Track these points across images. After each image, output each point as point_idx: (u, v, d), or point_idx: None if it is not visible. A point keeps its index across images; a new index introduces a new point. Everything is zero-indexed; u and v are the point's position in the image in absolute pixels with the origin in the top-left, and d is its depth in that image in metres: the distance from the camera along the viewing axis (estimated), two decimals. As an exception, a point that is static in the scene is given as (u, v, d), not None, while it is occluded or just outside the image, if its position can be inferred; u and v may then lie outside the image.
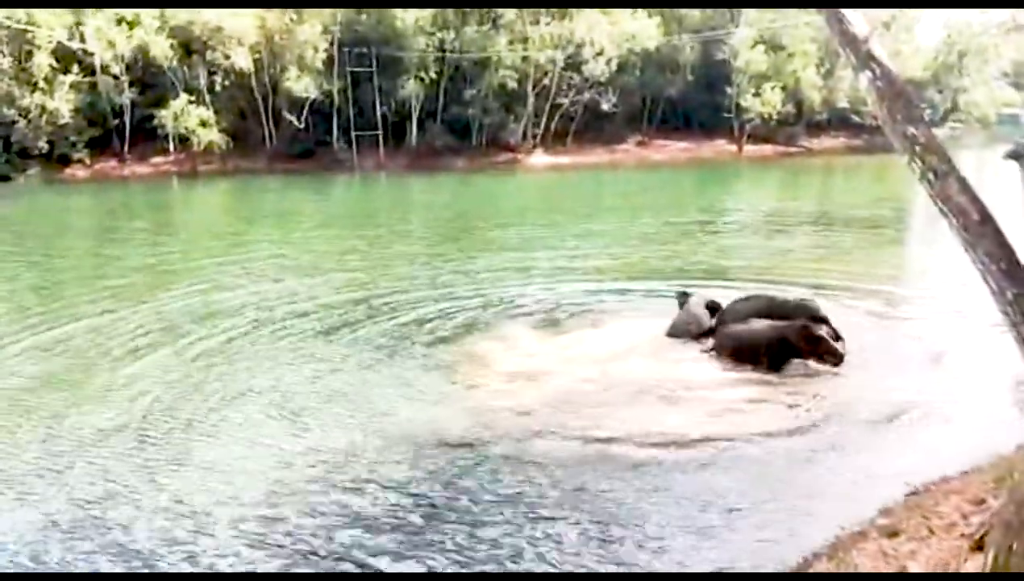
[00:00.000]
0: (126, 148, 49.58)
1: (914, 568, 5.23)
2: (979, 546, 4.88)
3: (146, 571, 5.36)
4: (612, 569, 5.94)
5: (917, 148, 4.32)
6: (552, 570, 5.93)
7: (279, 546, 6.18)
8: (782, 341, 10.08)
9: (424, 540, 6.25)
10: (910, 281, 16.39)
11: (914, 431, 8.23)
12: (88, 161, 48.38)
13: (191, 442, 8.35)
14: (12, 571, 5.27)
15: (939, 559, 5.23)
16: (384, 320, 13.16)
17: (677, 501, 6.93)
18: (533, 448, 7.96)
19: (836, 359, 9.97)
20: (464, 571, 5.57)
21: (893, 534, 5.81)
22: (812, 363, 9.99)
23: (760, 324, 10.53)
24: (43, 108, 45.84)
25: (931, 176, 4.28)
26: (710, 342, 10.94)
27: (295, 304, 14.48)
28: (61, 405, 9.48)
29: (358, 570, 5.88)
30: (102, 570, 5.91)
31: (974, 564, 4.86)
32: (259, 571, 5.56)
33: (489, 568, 5.92)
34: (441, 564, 5.95)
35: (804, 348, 10.00)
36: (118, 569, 5.90)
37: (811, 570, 5.71)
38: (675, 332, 11.45)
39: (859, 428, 8.32)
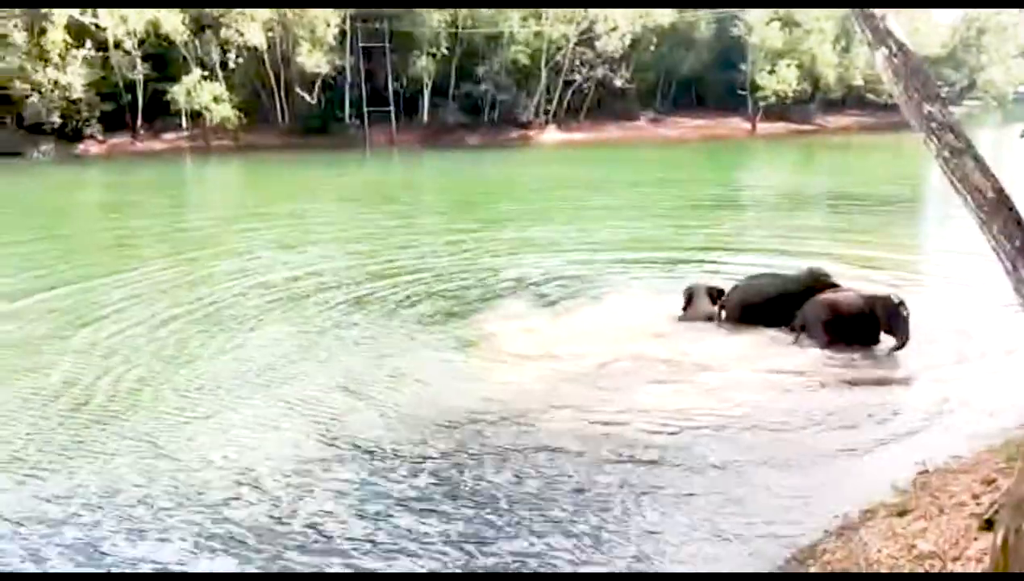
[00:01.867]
0: (139, 123, 49.68)
1: (923, 546, 5.24)
2: (988, 525, 4.89)
3: (146, 571, 5.35)
4: (636, 537, 5.99)
5: (933, 126, 4.28)
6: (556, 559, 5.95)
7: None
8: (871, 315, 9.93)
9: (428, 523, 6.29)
10: (924, 259, 16.31)
11: (927, 410, 8.22)
12: (101, 136, 48.52)
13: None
14: (12, 571, 5.27)
15: (948, 537, 5.24)
16: (395, 294, 13.17)
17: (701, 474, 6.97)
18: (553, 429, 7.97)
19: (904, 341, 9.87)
20: (465, 571, 5.56)
21: (903, 512, 5.82)
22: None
23: (847, 297, 10.36)
24: (56, 83, 45.90)
25: (947, 154, 4.25)
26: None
27: (297, 281, 14.55)
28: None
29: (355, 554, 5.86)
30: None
31: (983, 543, 4.88)
32: (258, 571, 5.51)
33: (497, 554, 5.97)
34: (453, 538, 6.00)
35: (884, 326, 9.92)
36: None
37: (820, 548, 5.74)
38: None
39: (871, 407, 8.31)
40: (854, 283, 11.35)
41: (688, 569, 5.69)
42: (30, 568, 5.68)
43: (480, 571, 5.55)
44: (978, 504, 5.55)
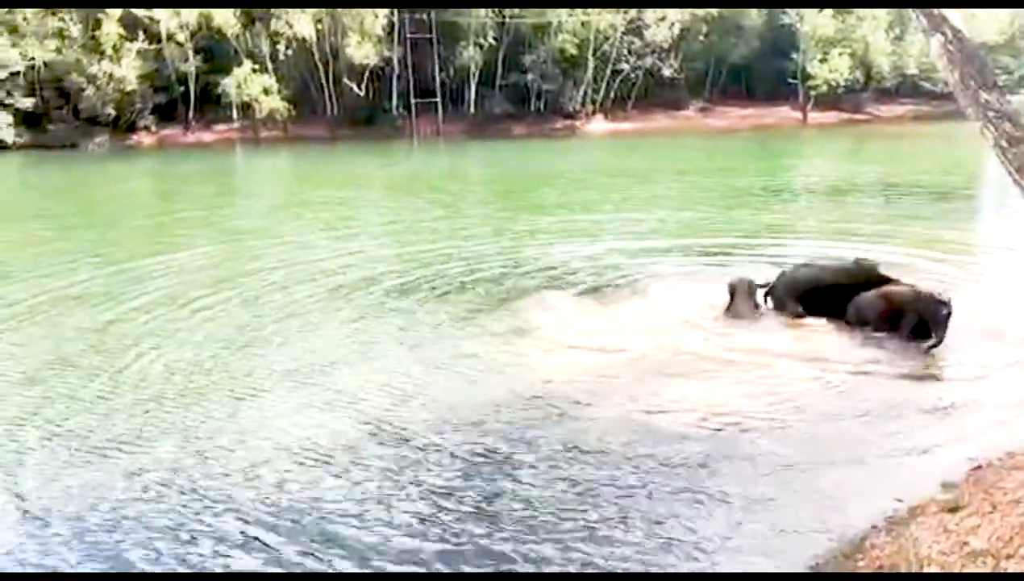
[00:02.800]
0: (191, 115, 50.53)
1: (975, 543, 5.15)
2: (1044, 523, 4.80)
3: (147, 571, 5.41)
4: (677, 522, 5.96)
5: (990, 114, 4.19)
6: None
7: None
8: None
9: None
10: (977, 251, 15.91)
11: (979, 406, 8.04)
12: (154, 128, 49.50)
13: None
14: (11, 571, 5.36)
15: (1001, 535, 5.14)
16: (438, 283, 13.23)
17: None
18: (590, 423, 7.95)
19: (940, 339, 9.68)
20: (463, 571, 5.54)
21: (954, 509, 5.71)
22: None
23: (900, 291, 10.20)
24: (110, 76, 46.88)
25: (1004, 143, 4.16)
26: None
27: (346, 268, 14.70)
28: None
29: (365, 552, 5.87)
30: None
31: (1038, 541, 4.78)
32: (258, 571, 5.53)
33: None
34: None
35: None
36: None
37: (868, 543, 5.66)
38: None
39: (923, 402, 8.16)
40: (904, 276, 11.14)
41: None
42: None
43: (481, 571, 5.52)
44: (1033, 502, 5.44)
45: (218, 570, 5.53)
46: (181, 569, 5.50)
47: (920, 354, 9.48)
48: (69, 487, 6.62)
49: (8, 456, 7.21)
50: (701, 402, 8.19)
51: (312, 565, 5.53)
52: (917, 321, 9.76)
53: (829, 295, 10.47)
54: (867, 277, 10.53)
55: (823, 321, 10.40)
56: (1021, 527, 5.15)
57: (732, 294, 11.09)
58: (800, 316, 10.56)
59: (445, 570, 5.50)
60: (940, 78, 56.44)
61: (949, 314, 9.52)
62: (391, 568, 5.49)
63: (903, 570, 5.13)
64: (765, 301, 10.99)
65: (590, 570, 5.54)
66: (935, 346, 9.55)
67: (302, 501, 6.37)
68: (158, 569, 5.50)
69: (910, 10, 4.42)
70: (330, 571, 5.40)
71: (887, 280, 10.52)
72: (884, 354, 9.51)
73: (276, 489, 6.58)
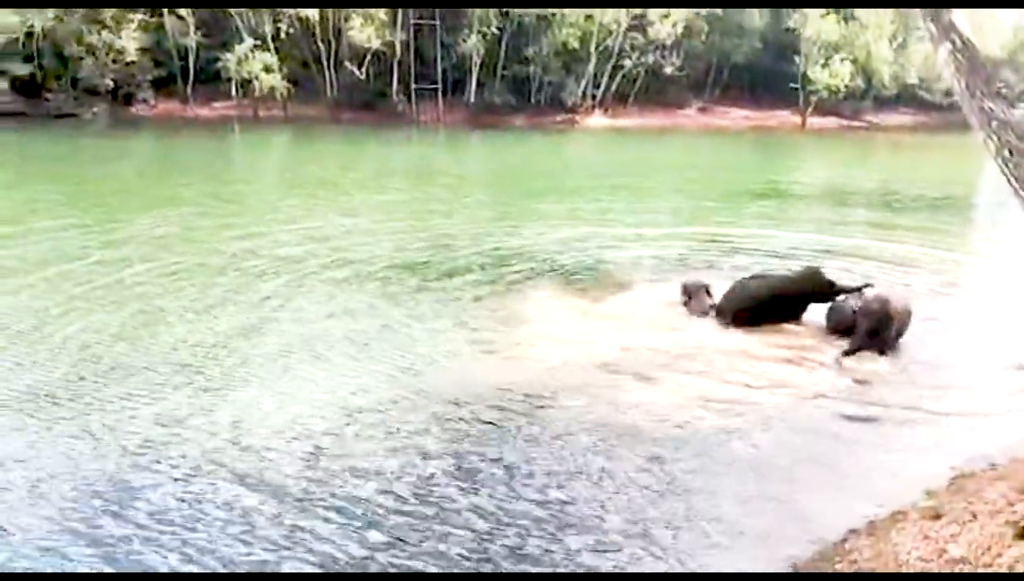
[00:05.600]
0: (189, 90, 50.21)
1: (955, 551, 5.19)
2: (1023, 534, 4.83)
3: (146, 571, 5.40)
4: (657, 532, 5.98)
5: (994, 124, 4.21)
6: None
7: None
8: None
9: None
10: (970, 262, 15.98)
11: (961, 417, 8.08)
12: (152, 101, 49.14)
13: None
14: (12, 571, 5.34)
15: (980, 543, 5.18)
16: (430, 271, 13.24)
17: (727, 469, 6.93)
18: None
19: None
20: (464, 571, 5.55)
21: (935, 516, 5.75)
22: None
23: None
24: (110, 47, 46.46)
25: (1007, 153, 4.18)
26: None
27: (338, 254, 14.65)
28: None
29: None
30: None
31: (1017, 551, 4.81)
32: (258, 571, 5.52)
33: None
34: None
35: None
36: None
37: (847, 546, 5.69)
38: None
39: (904, 413, 8.17)
40: (885, 285, 11.22)
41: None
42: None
43: (479, 571, 5.53)
44: (1013, 512, 5.47)
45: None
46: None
47: (901, 362, 9.51)
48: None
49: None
50: (666, 399, 8.23)
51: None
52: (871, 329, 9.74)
53: (776, 305, 10.67)
54: (814, 286, 10.64)
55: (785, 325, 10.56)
56: (1000, 537, 5.19)
57: (688, 296, 11.23)
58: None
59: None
60: (940, 89, 56.48)
61: (877, 325, 9.54)
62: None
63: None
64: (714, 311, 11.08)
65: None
66: (848, 353, 9.53)
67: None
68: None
69: (919, 18, 4.43)
70: (330, 571, 5.40)
71: (832, 287, 10.60)
72: (856, 358, 9.53)
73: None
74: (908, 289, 12.01)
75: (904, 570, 5.14)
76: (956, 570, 5.02)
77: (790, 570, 5.52)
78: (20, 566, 5.36)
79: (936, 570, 5.07)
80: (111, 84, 47.31)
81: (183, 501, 6.12)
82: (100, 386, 8.22)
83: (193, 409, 7.74)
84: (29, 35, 45.41)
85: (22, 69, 45.85)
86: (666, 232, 17.05)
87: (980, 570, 4.96)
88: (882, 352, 9.52)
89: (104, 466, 6.60)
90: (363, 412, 7.80)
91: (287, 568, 5.43)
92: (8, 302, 10.97)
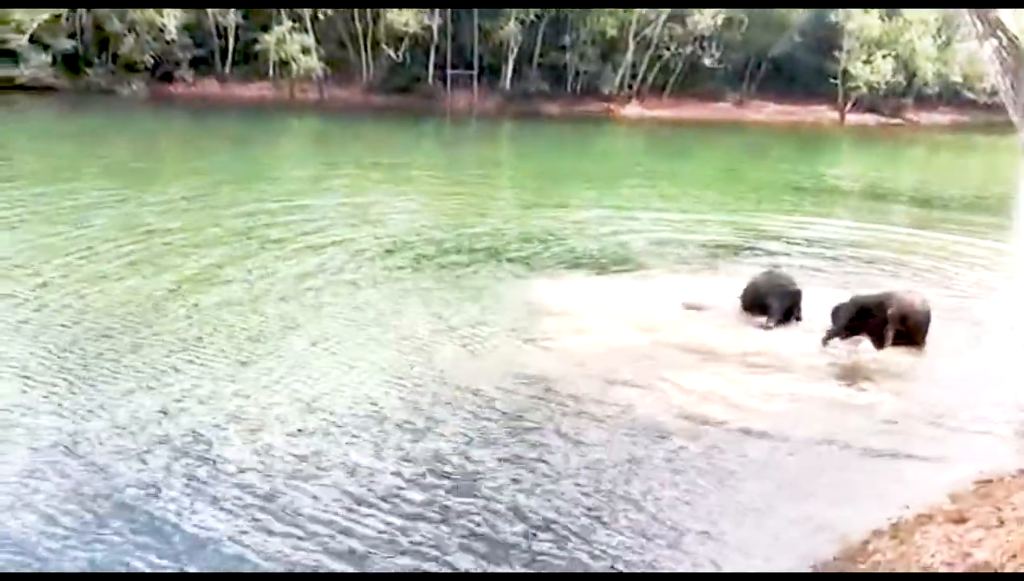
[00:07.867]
0: (227, 69, 50.50)
1: (980, 556, 5.12)
2: (1051, 542, 4.76)
3: (146, 571, 5.41)
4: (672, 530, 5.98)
5: (1036, 124, 4.13)
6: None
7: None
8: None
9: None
10: (1001, 269, 15.70)
11: (987, 423, 7.95)
12: (190, 80, 49.46)
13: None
14: (12, 571, 5.36)
15: (1006, 549, 5.10)
16: (457, 258, 13.36)
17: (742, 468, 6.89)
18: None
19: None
20: (463, 571, 5.52)
21: (960, 520, 5.68)
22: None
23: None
24: (151, 23, 46.80)
25: (1048, 154, 4.10)
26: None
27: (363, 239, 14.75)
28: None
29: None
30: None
31: (1044, 558, 4.75)
32: (258, 571, 5.50)
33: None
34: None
35: None
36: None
37: (871, 547, 5.63)
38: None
39: (929, 417, 8.05)
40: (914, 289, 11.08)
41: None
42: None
43: (480, 571, 5.53)
44: (1041, 519, 5.40)
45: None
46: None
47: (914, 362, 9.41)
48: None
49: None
50: (683, 392, 8.20)
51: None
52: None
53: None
54: (779, 289, 10.57)
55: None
56: (1028, 544, 5.11)
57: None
58: None
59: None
60: (983, 88, 55.18)
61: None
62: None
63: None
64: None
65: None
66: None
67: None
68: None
69: (965, 14, 4.35)
70: (330, 571, 5.37)
71: (796, 290, 10.53)
72: (877, 360, 9.41)
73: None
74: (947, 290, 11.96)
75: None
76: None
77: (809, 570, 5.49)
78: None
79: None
80: (151, 61, 47.69)
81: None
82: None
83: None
84: (73, 10, 45.90)
85: (66, 44, 46.34)
86: (714, 221, 17.08)
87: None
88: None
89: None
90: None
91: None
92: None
